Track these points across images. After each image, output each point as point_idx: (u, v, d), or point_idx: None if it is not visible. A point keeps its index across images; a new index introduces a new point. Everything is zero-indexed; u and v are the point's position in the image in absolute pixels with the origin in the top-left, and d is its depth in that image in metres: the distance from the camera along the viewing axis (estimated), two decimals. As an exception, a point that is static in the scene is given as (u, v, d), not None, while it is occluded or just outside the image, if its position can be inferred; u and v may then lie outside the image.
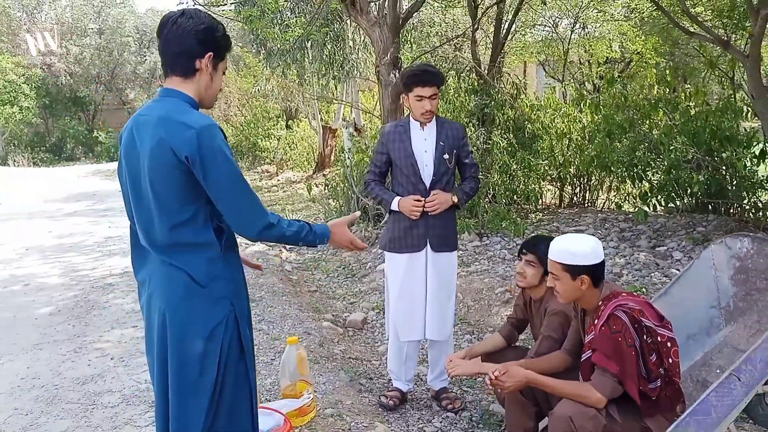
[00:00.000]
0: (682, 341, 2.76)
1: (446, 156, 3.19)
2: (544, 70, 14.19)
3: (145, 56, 24.90)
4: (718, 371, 2.70)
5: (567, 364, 2.52)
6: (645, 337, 2.22)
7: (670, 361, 2.25)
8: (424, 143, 3.21)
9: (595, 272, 2.30)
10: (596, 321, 2.29)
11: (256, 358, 2.29)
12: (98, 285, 5.74)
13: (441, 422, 3.25)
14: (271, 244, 7.43)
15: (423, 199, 3.14)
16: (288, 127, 16.32)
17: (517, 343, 3.07)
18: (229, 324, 1.84)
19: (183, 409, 1.82)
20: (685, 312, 2.82)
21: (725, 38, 4.47)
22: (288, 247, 7.45)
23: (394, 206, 3.20)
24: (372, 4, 7.29)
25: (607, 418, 2.20)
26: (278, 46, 10.58)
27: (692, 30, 4.24)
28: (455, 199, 3.18)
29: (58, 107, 24.52)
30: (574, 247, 2.31)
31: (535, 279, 2.79)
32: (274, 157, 15.38)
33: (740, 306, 2.80)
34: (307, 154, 14.92)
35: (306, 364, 3.07)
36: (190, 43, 1.81)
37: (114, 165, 19.64)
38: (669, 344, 2.25)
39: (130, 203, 1.89)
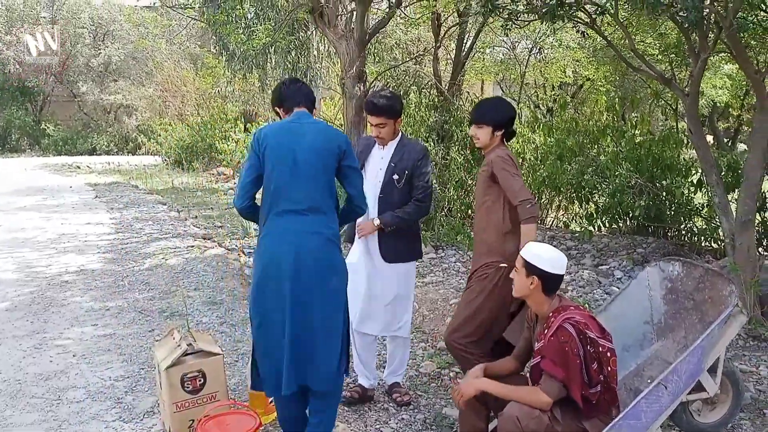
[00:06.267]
0: (618, 353, 3.03)
1: (395, 177, 3.43)
2: (501, 89, 14.67)
3: (99, 49, 24.23)
4: (649, 381, 2.99)
5: (515, 368, 2.80)
6: (588, 347, 2.48)
7: (609, 369, 2.52)
8: (380, 161, 3.49)
9: (547, 280, 2.56)
10: (546, 331, 2.54)
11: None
12: (54, 282, 5.70)
13: (396, 424, 3.45)
14: (231, 248, 7.53)
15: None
16: (246, 130, 16.27)
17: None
18: None
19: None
20: (622, 326, 3.12)
21: (669, 74, 4.85)
22: (246, 251, 7.54)
23: None
24: (340, 17, 7.48)
25: (549, 419, 2.46)
26: (241, 50, 10.62)
27: (637, 66, 4.60)
28: (377, 223, 3.39)
29: (5, 96, 23.63)
30: (540, 250, 2.59)
31: (487, 137, 3.14)
32: (231, 160, 15.31)
33: (670, 323, 3.12)
34: (266, 158, 14.88)
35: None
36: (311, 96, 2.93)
37: (62, 159, 19.18)
38: (609, 354, 2.52)
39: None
